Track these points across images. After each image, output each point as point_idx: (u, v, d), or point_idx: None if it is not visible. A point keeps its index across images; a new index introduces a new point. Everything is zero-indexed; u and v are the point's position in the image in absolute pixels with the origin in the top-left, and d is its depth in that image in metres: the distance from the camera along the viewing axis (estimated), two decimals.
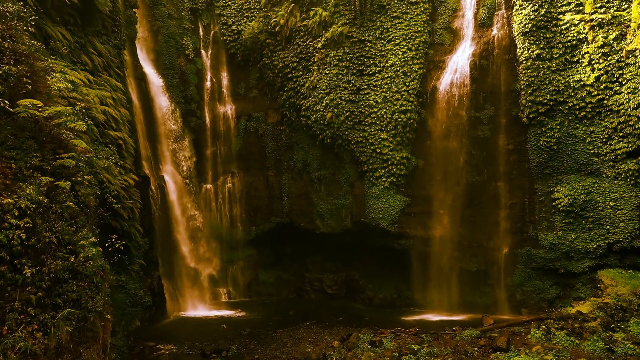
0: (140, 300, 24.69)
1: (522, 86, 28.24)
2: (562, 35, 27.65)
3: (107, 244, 13.75)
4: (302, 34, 33.67)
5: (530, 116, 28.06)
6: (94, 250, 11.20)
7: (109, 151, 19.16)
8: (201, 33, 36.13)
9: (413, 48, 31.15)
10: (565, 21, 27.51)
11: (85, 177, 12.34)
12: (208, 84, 35.86)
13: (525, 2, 28.47)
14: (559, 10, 27.78)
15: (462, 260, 30.56)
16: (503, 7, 29.96)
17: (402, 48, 31.33)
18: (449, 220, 30.55)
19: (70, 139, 12.11)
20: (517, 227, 29.22)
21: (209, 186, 34.85)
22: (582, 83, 27.02)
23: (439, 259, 30.95)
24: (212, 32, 36.35)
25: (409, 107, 30.60)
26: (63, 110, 11.66)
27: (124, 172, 23.33)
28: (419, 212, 31.12)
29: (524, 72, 28.14)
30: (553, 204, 27.80)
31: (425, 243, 31.13)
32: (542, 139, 27.90)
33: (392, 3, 31.98)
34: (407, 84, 30.86)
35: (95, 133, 20.31)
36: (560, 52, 27.63)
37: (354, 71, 32.22)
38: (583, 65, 27.03)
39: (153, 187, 28.79)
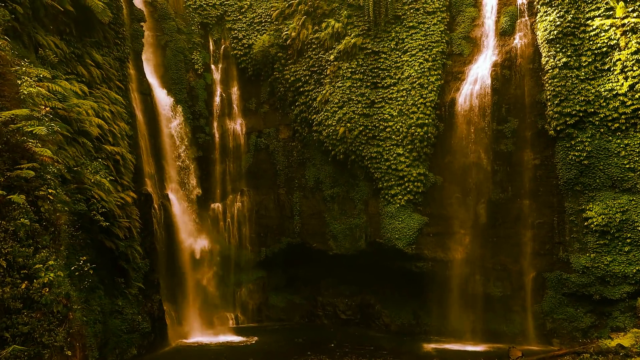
0: (138, 327, 23.13)
1: (548, 97, 26.33)
2: (591, 42, 25.73)
3: (73, 267, 12.17)
4: (314, 46, 32.44)
5: (558, 128, 26.03)
6: (51, 275, 9.65)
7: (98, 165, 17.84)
8: (211, 47, 35.22)
9: (430, 59, 29.59)
10: (594, 27, 25.62)
11: (52, 190, 10.88)
12: (217, 99, 34.77)
13: (550, 8, 26.73)
14: (587, 15, 25.91)
15: (486, 284, 28.36)
16: (526, 14, 28.26)
17: (419, 59, 29.79)
18: (471, 241, 28.50)
19: (35, 147, 10.71)
20: (546, 249, 26.96)
21: (217, 205, 33.43)
22: (614, 92, 24.96)
23: (460, 283, 28.82)
24: (223, 46, 35.41)
25: (426, 121, 28.88)
26: (19, 113, 10.28)
27: (121, 189, 22.04)
28: (438, 232, 29.20)
29: (550, 81, 26.25)
30: (585, 223, 25.52)
31: (445, 266, 29.06)
32: (572, 153, 25.79)
33: (408, 13, 30.63)
34: (424, 96, 29.21)
35: (88, 146, 19.08)
36: (590, 59, 25.68)
37: (368, 84, 30.76)
38: (615, 73, 25.00)
39: (156, 206, 27.47)
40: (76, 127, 18.08)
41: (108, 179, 19.81)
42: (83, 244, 18.99)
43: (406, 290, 31.21)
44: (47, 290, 9.54)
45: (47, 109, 12.42)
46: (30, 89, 11.71)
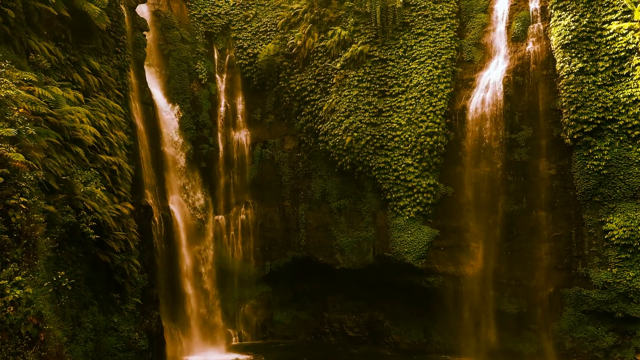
0: (135, 344, 22.03)
1: (563, 104, 25.20)
2: (608, 47, 24.60)
3: (46, 284, 11.18)
4: (320, 54, 31.69)
5: (575, 137, 24.83)
6: (18, 292, 8.69)
7: (90, 175, 16.99)
8: (216, 57, 34.62)
9: (439, 66, 28.69)
10: (611, 31, 24.50)
11: (25, 199, 9.98)
12: (222, 109, 34.05)
13: (564, 13, 25.70)
14: (603, 19, 24.81)
15: (500, 300, 27.06)
16: (539, 19, 27.28)
17: (428, 66, 28.89)
18: (484, 255, 27.29)
19: (7, 152, 9.85)
20: (564, 263, 25.60)
21: (220, 217, 32.50)
22: (634, 98, 23.75)
23: (474, 299, 27.58)
24: (228, 56, 34.80)
25: (436, 129, 27.88)
26: None
27: (117, 200, 21.17)
28: (449, 245, 28.12)
29: (565, 88, 25.14)
30: (605, 236, 24.17)
31: (457, 281, 27.87)
32: (590, 163, 24.55)
33: (416, 20, 29.84)
34: (434, 104, 28.24)
35: (81, 155, 18.26)
36: (607, 65, 24.53)
37: (375, 92, 29.88)
38: (635, 78, 23.81)
39: (156, 218, 26.61)
40: (68, 135, 17.28)
41: (102, 189, 18.95)
42: (75, 257, 18.09)
43: (416, 307, 30.07)
44: (12, 309, 8.58)
45: (22, 110, 11.58)
46: (9, 91, 10.91)
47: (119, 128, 22.79)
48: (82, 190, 15.93)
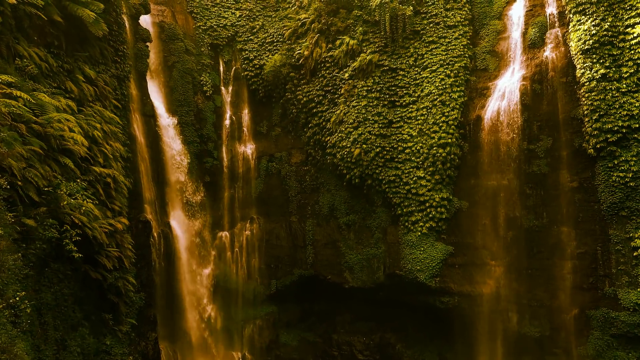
0: None
1: (585, 112, 23.75)
2: (632, 51, 23.22)
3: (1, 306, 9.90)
4: (327, 65, 30.66)
5: (598, 147, 23.30)
6: None
7: (76, 186, 15.87)
8: (222, 69, 33.75)
9: (452, 74, 27.49)
10: (635, 35, 23.16)
11: None
12: (227, 122, 33.05)
13: (583, 17, 24.39)
14: (626, 22, 23.46)
15: (521, 322, 25.40)
16: (556, 24, 26.01)
17: (440, 75, 27.69)
18: (502, 273, 25.71)
19: None
20: (589, 283, 23.87)
21: (224, 234, 31.24)
22: None
23: (492, 321, 25.98)
24: (234, 68, 33.93)
25: (449, 140, 26.53)
26: None
27: (111, 214, 20.05)
28: (465, 263, 26.66)
29: (587, 95, 23.71)
30: (635, 253, 22.46)
31: (474, 301, 26.27)
32: (615, 174, 22.98)
33: (427, 27, 28.79)
34: (446, 114, 26.95)
35: (70, 167, 17.20)
36: (632, 70, 23.10)
37: (385, 102, 28.70)
38: None
39: (155, 234, 25.46)
40: (55, 144, 16.26)
41: (94, 202, 17.86)
42: (61, 275, 16.92)
43: (430, 328, 28.58)
44: None
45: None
46: None
47: (116, 139, 21.82)
48: (65, 202, 14.76)
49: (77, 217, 16.52)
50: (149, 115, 28.02)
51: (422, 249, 26.74)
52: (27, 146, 14.42)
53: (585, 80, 23.90)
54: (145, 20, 30.06)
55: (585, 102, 23.77)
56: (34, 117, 15.10)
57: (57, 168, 15.97)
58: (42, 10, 17.86)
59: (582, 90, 24.05)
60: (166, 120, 29.18)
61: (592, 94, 23.61)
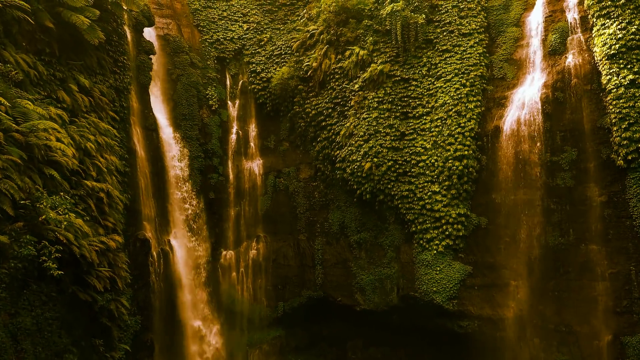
0: None
1: (613, 121, 22.11)
2: None
3: None
4: (337, 76, 29.51)
5: (629, 157, 21.57)
6: None
7: (59, 200, 14.62)
8: (228, 83, 32.79)
9: (468, 84, 26.14)
10: None
11: None
12: (233, 136, 31.91)
13: (608, 21, 22.95)
14: None
15: (547, 350, 23.43)
16: (579, 30, 24.59)
17: (455, 84, 26.34)
18: (526, 295, 23.86)
19: None
20: (623, 306, 21.87)
21: (229, 253, 29.81)
22: None
23: (515, 347, 24.05)
24: (241, 81, 32.94)
25: (466, 153, 25.01)
26: None
27: (103, 231, 18.78)
28: (485, 284, 24.93)
29: (614, 103, 22.13)
30: None
31: (495, 325, 24.41)
32: None
33: (441, 36, 27.61)
34: (462, 125, 25.50)
35: (57, 180, 16.01)
36: None
37: (397, 114, 27.38)
38: None
39: (154, 253, 24.12)
40: (39, 154, 15.09)
41: (83, 218, 16.63)
42: (45, 297, 15.57)
43: (448, 355, 26.67)
44: None
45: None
46: None
47: (111, 152, 20.70)
48: (44, 217, 13.49)
49: (62, 233, 15.22)
50: (151, 129, 26.99)
51: (438, 268, 25.01)
52: (4, 155, 13.23)
53: (612, 87, 22.32)
54: (149, 33, 29.31)
55: (613, 110, 22.13)
56: (14, 125, 13.95)
57: (39, 181, 14.75)
58: (31, 15, 16.96)
59: (608, 98, 22.44)
60: (169, 134, 28.12)
61: (621, 101, 21.99)
